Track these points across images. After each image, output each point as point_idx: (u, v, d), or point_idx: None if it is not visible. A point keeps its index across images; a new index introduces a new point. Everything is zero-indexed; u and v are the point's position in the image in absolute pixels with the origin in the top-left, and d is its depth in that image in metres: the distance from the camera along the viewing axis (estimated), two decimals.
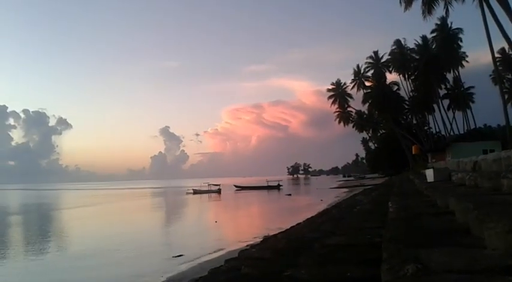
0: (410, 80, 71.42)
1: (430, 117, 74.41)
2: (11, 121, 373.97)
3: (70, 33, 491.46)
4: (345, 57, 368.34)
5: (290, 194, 65.24)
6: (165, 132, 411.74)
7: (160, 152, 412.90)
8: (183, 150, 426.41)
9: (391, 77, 75.22)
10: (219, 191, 79.06)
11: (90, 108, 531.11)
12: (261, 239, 18.89)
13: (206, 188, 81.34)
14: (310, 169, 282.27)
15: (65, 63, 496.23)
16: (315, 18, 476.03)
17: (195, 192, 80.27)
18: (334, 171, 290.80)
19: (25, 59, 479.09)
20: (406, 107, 74.64)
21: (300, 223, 23.79)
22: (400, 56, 68.51)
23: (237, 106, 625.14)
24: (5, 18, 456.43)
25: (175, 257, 17.28)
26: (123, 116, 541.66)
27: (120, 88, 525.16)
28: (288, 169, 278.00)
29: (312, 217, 26.34)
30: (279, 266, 7.57)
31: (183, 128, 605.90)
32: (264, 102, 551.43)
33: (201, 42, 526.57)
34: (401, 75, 71.80)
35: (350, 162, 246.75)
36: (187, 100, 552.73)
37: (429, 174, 19.50)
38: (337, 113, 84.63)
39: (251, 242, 19.13)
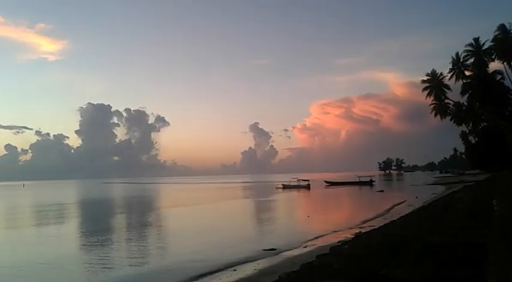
0: None
1: None
2: (115, 119, 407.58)
3: (165, 37, 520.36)
4: (440, 46, 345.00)
5: (382, 190, 63.13)
6: (255, 128, 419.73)
7: (250, 148, 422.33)
8: (272, 146, 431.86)
9: (494, 65, 69.09)
10: (308, 187, 78.86)
11: (186, 106, 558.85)
12: (353, 236, 18.57)
13: (295, 183, 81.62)
14: (403, 164, 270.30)
15: (162, 64, 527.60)
16: (407, 5, 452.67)
17: (285, 187, 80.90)
18: (430, 166, 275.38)
19: (126, 62, 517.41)
20: (511, 97, 68.37)
21: (394, 220, 23.02)
22: (505, 42, 62.77)
23: (326, 101, 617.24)
24: (111, 24, 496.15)
25: (267, 250, 17.58)
26: (215, 113, 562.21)
27: (213, 87, 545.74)
28: (380, 164, 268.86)
29: (407, 214, 25.34)
30: (373, 264, 7.40)
31: (272, 124, 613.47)
32: (354, 96, 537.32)
33: (289, 38, 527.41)
34: (505, 63, 65.78)
35: (447, 157, 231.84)
36: (276, 96, 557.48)
37: None
38: (433, 106, 79.82)
39: (342, 239, 18.88)
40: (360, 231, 20.31)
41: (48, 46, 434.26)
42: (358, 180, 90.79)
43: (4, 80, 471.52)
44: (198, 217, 34.72)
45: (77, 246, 21.55)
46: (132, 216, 38.70)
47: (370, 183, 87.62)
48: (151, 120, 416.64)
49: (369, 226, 22.85)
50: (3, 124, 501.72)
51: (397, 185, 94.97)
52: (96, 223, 31.27)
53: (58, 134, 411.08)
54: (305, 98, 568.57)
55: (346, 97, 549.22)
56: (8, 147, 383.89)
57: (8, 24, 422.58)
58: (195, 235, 23.30)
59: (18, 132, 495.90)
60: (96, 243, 21.40)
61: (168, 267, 15.31)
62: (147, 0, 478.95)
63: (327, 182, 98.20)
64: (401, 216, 24.73)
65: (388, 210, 32.93)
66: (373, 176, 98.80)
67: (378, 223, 23.45)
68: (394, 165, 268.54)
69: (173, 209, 45.18)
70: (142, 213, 40.79)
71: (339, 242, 17.77)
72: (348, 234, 20.16)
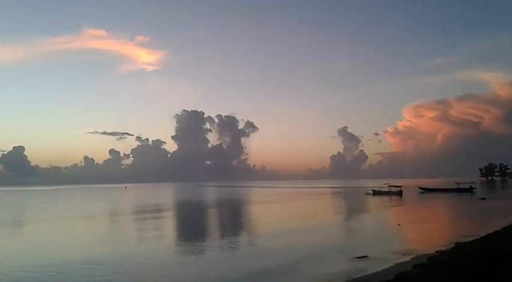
0: None
1: None
2: (207, 125, 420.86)
3: (253, 44, 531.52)
4: None
5: (484, 198, 58.64)
6: (343, 132, 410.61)
7: (339, 152, 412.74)
8: (361, 150, 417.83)
9: None
10: (400, 193, 75.56)
11: (274, 111, 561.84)
12: (453, 246, 17.69)
13: (386, 189, 78.82)
14: (507, 170, 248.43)
15: (251, 70, 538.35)
16: None
17: (375, 193, 78.55)
18: None
19: (218, 69, 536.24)
20: None
21: (498, 231, 21.55)
22: None
23: (420, 103, 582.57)
24: (203, 34, 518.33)
25: (359, 258, 17.32)
26: (303, 117, 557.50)
27: (300, 91, 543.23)
28: (481, 170, 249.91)
29: None
30: (476, 276, 7.12)
31: (361, 128, 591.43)
32: (450, 97, 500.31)
33: (377, 38, 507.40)
34: None
35: None
36: (365, 99, 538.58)
37: None
38: None
39: (440, 248, 18.07)
40: (460, 242, 19.26)
41: (146, 57, 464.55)
42: (456, 186, 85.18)
43: (108, 90, 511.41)
44: (288, 221, 35.02)
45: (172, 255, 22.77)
46: (227, 221, 40.23)
47: (470, 190, 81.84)
48: (241, 125, 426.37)
49: (469, 236, 21.53)
50: (107, 131, 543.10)
51: (501, 192, 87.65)
52: (198, 226, 32.89)
53: (156, 140, 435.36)
54: (397, 101, 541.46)
55: (442, 98, 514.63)
56: (111, 152, 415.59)
57: (110, 37, 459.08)
58: (286, 240, 23.54)
59: (120, 138, 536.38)
60: (196, 249, 22.62)
61: (262, 273, 15.68)
62: (234, 12, 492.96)
63: (421, 188, 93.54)
64: (507, 226, 23.02)
65: (491, 219, 30.68)
66: (474, 182, 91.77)
67: (479, 233, 22.01)
68: (498, 171, 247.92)
69: (265, 212, 46.13)
70: (237, 217, 42.19)
71: (436, 252, 17.07)
72: (447, 244, 19.21)
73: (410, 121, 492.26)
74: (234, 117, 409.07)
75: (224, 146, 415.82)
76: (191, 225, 33.42)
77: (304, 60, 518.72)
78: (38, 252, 21.38)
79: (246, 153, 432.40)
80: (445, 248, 17.87)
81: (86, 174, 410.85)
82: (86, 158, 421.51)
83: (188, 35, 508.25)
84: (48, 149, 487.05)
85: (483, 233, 21.53)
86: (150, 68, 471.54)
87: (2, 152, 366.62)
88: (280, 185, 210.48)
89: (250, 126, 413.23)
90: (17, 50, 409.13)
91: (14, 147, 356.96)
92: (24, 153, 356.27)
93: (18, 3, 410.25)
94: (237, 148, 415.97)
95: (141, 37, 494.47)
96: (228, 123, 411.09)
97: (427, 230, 27.71)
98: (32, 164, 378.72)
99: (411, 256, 17.25)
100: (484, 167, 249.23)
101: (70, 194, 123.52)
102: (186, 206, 61.15)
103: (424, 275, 9.19)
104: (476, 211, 40.94)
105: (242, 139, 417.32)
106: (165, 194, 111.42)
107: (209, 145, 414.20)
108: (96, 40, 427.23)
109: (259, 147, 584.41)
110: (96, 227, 34.69)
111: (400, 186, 78.41)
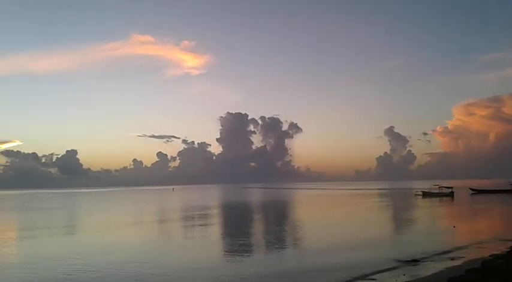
0: None
1: None
2: (251, 127, 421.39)
3: (295, 43, 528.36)
4: None
5: None
6: (390, 132, 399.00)
7: (385, 153, 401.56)
8: (409, 151, 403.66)
9: None
10: (451, 194, 73.43)
11: (317, 111, 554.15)
12: (508, 250, 17.30)
13: (437, 191, 76.76)
14: None
15: (294, 71, 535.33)
16: None
17: (425, 194, 76.58)
18: None
19: (260, 72, 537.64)
20: None
21: None
22: None
23: (471, 101, 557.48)
24: (246, 38, 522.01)
25: (410, 261, 17.18)
26: (347, 117, 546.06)
27: (344, 90, 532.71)
28: None
29: None
30: None
31: (408, 128, 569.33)
32: (504, 94, 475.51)
33: (423, 35, 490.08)
34: None
35: None
36: (412, 98, 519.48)
37: None
38: None
39: (494, 252, 17.67)
40: None
41: (192, 61, 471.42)
42: (510, 188, 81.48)
43: (155, 94, 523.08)
44: (338, 224, 35.01)
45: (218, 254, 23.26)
46: (271, 223, 40.68)
47: None
48: (285, 126, 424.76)
49: None
50: (155, 134, 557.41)
51: None
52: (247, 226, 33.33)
53: (202, 142, 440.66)
54: (446, 99, 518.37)
55: (495, 96, 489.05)
56: (159, 154, 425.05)
57: (157, 43, 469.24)
58: (336, 244, 23.59)
59: (168, 141, 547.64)
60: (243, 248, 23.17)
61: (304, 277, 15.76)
62: (276, 12, 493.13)
63: (472, 189, 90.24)
64: None
65: None
66: None
67: None
68: None
69: (307, 214, 46.21)
70: (285, 222, 42.51)
71: (491, 255, 16.73)
72: (502, 248, 18.75)
73: (461, 120, 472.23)
74: (278, 119, 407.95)
75: (268, 148, 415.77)
76: (242, 231, 32.08)
77: (349, 59, 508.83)
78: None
79: (290, 155, 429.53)
80: (499, 252, 17.47)
81: (135, 176, 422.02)
82: (135, 160, 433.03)
83: (231, 39, 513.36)
84: (100, 152, 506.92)
85: None
86: (195, 72, 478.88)
87: (56, 156, 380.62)
88: (326, 186, 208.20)
89: (294, 127, 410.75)
90: (67, 58, 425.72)
91: (67, 151, 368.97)
92: (77, 156, 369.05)
93: (67, 12, 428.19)
94: (281, 149, 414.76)
95: (186, 42, 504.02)
96: (271, 125, 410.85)
97: (480, 232, 26.98)
98: (84, 167, 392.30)
99: (464, 260, 16.99)
100: None
101: (123, 196, 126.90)
102: (234, 208, 61.95)
103: (478, 280, 9.21)
104: None
105: (286, 140, 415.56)
106: (213, 196, 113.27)
107: (253, 147, 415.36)
108: (143, 46, 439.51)
109: (303, 149, 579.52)
110: (157, 230, 35.91)
111: (451, 188, 76.19)
